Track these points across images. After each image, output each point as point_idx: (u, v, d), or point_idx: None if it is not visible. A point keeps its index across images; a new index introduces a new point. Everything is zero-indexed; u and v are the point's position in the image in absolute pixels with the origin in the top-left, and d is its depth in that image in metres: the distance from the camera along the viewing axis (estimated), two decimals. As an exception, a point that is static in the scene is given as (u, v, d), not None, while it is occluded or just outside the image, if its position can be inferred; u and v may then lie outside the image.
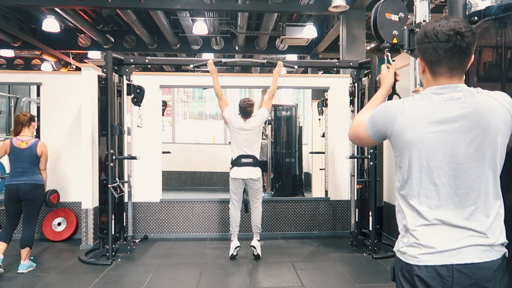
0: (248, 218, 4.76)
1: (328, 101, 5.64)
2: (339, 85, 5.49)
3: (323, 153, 5.86)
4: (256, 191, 4.50)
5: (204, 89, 11.64)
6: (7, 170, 5.35)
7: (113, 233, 4.38)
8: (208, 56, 10.25)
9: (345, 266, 4.24)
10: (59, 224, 5.14)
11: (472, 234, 1.29)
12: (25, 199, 3.97)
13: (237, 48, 10.07)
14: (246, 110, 4.50)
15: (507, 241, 1.34)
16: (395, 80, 1.69)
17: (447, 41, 1.29)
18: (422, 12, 2.48)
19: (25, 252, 3.96)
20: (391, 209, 5.02)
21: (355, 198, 5.07)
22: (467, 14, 2.06)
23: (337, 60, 6.32)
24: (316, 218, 5.51)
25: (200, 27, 8.33)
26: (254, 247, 4.40)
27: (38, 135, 4.98)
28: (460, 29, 1.28)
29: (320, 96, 6.84)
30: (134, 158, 4.68)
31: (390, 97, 1.68)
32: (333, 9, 6.60)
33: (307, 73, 10.60)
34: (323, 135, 5.91)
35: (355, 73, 5.05)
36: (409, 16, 2.57)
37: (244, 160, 4.43)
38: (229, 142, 4.69)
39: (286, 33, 8.41)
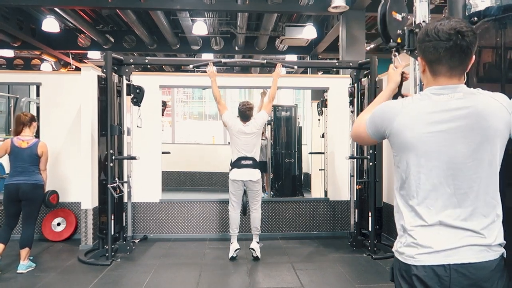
0: (247, 219, 4.76)
1: (328, 102, 5.64)
2: (338, 86, 5.49)
3: (323, 153, 5.87)
4: (256, 193, 4.50)
5: (203, 89, 11.65)
6: (7, 170, 5.35)
7: (112, 233, 4.38)
8: (207, 56, 10.25)
9: (344, 266, 4.24)
10: (58, 224, 5.14)
11: (470, 235, 1.29)
12: (25, 199, 3.96)
13: (236, 48, 10.07)
14: (245, 113, 4.50)
15: (505, 241, 1.34)
16: (402, 80, 1.68)
17: (447, 39, 1.29)
18: (421, 12, 2.48)
19: (24, 252, 3.95)
20: (391, 210, 5.01)
21: (355, 199, 5.07)
22: (467, 14, 2.06)
23: (336, 61, 6.31)
24: (315, 219, 5.51)
25: (199, 27, 8.34)
26: (254, 250, 4.40)
27: (37, 135, 4.98)
28: (461, 29, 1.28)
29: (319, 96, 6.84)
30: (134, 158, 4.68)
31: (395, 97, 1.65)
32: (332, 9, 6.61)
33: (307, 73, 10.59)
34: (323, 136, 5.91)
35: (355, 73, 5.05)
36: (408, 17, 2.57)
37: (243, 162, 4.43)
38: (229, 143, 4.69)
39: (285, 33, 8.41)
